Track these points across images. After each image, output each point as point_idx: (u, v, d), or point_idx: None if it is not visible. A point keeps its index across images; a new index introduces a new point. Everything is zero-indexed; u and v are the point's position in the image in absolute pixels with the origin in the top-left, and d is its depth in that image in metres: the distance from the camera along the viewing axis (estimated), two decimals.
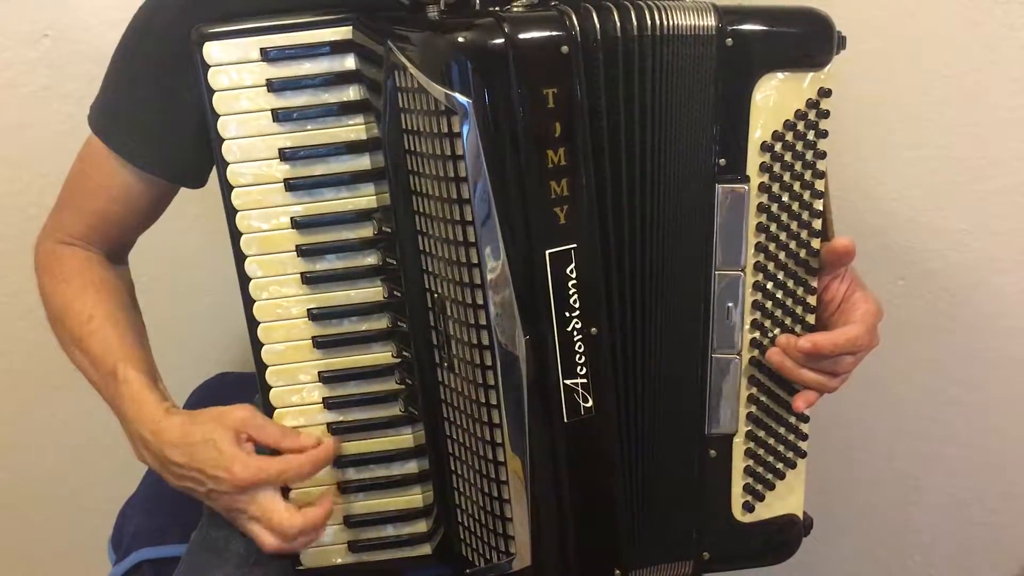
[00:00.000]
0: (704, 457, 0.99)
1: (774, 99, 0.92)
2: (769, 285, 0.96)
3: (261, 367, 1.00)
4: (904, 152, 1.44)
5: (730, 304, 0.95)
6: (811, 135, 0.93)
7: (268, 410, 1.01)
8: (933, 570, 1.68)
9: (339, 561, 1.04)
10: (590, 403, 0.91)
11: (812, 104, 0.93)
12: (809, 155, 0.94)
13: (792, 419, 1.01)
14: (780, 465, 1.02)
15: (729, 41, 0.90)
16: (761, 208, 0.94)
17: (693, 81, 0.91)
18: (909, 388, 1.53)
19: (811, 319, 0.99)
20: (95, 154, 1.06)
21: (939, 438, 1.37)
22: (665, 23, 0.89)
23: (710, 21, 0.90)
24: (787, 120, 0.93)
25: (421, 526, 1.04)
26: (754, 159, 0.93)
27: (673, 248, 0.94)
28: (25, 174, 1.52)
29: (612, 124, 0.90)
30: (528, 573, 0.93)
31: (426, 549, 1.04)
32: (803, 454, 1.02)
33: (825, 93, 0.93)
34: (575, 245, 0.87)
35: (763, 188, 0.93)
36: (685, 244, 0.94)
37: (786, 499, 1.03)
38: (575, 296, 0.88)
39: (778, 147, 0.93)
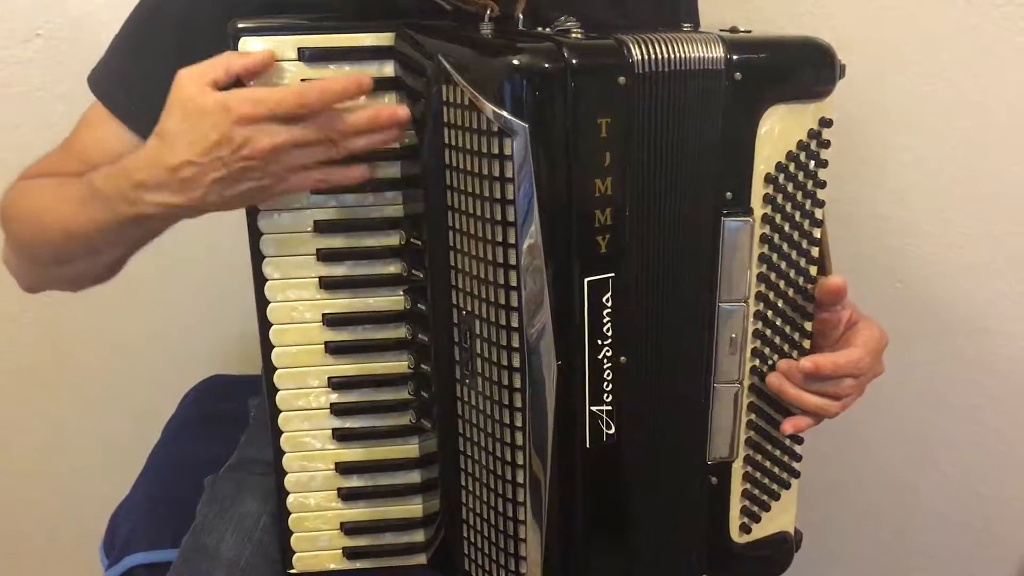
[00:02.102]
0: (706, 484, 1.01)
1: (778, 130, 0.93)
2: (769, 314, 0.98)
3: (270, 369, 0.98)
4: (901, 155, 1.46)
5: (733, 335, 0.96)
6: (812, 165, 0.95)
7: (274, 412, 0.99)
8: (932, 574, 1.71)
9: (332, 567, 1.03)
10: (613, 430, 0.91)
11: (814, 134, 0.95)
12: (810, 184, 0.96)
13: (787, 441, 1.04)
14: (775, 486, 1.04)
15: (738, 75, 0.90)
16: (763, 239, 0.96)
17: (701, 114, 0.90)
18: (906, 392, 1.54)
19: (807, 344, 1.01)
20: (95, 119, 1.03)
21: (936, 442, 1.40)
22: (676, 56, 0.88)
23: (719, 53, 0.90)
24: (790, 151, 0.94)
25: (419, 536, 1.03)
26: (758, 191, 0.94)
27: (680, 281, 0.94)
28: (18, 174, 1.47)
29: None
30: None
31: (421, 559, 1.04)
32: (797, 474, 1.05)
33: (826, 123, 0.95)
34: (613, 275, 0.88)
35: (766, 219, 0.95)
36: (692, 277, 0.95)
37: (779, 518, 1.05)
38: (608, 325, 0.88)
39: (781, 178, 0.94)
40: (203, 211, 0.89)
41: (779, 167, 0.94)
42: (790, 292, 0.98)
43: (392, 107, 0.88)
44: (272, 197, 0.90)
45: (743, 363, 0.98)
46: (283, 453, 1.00)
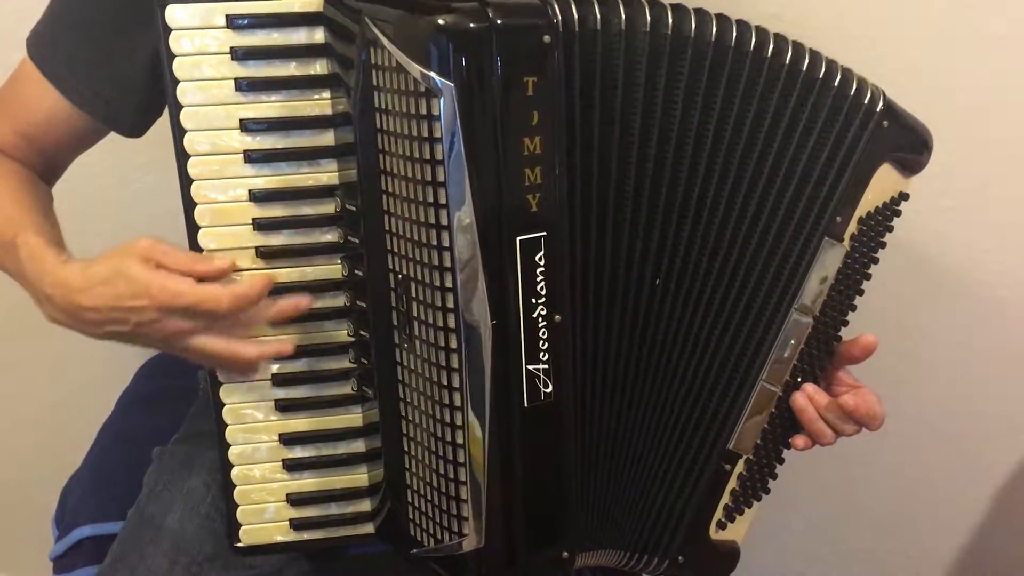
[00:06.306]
0: (719, 469, 1.04)
1: (879, 184, 1.01)
2: (814, 340, 1.03)
3: None
4: None
5: (792, 342, 1.01)
6: (883, 228, 1.03)
7: (215, 385, 0.99)
8: (882, 546, 1.73)
9: (279, 539, 1.03)
10: (550, 388, 0.92)
11: (894, 201, 1.03)
12: (874, 243, 1.03)
13: (774, 459, 1.07)
14: (751, 496, 1.07)
15: (886, 123, 0.99)
16: (839, 271, 1.01)
17: (842, 138, 0.98)
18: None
19: (820, 378, 1.05)
20: (27, 77, 1.04)
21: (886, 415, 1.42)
22: (817, 68, 0.96)
23: (879, 100, 0.99)
24: (878, 207, 1.01)
25: (365, 505, 1.03)
26: (851, 228, 1.01)
27: (762, 273, 1.00)
28: None
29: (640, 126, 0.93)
30: (478, 554, 0.94)
31: (368, 528, 1.04)
32: (768, 491, 1.07)
33: (904, 196, 1.04)
34: (545, 233, 0.88)
35: (846, 255, 1.01)
36: (776, 274, 1.00)
37: (739, 527, 1.08)
38: (542, 283, 0.89)
39: (866, 226, 1.01)
40: (97, 338, 0.93)
41: (869, 215, 1.01)
42: (831, 328, 1.03)
43: (296, 300, 0.93)
44: (164, 351, 0.95)
45: (787, 371, 1.02)
46: (226, 425, 1.00)
